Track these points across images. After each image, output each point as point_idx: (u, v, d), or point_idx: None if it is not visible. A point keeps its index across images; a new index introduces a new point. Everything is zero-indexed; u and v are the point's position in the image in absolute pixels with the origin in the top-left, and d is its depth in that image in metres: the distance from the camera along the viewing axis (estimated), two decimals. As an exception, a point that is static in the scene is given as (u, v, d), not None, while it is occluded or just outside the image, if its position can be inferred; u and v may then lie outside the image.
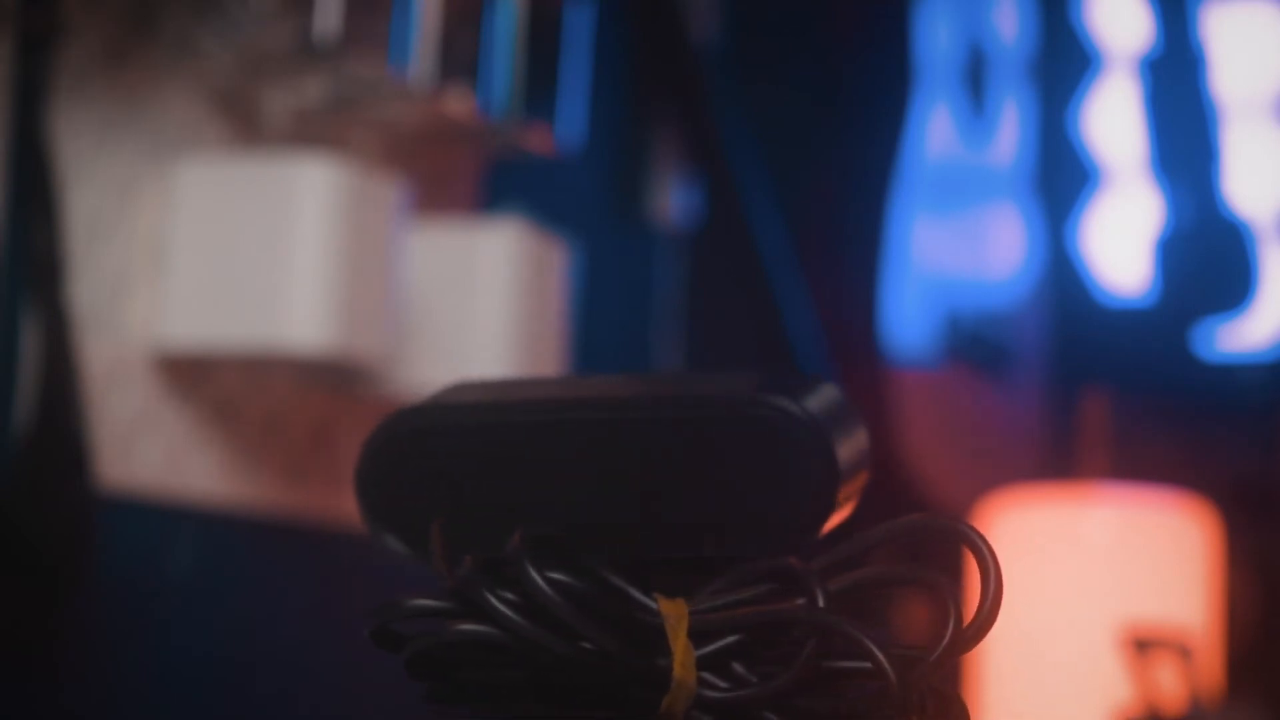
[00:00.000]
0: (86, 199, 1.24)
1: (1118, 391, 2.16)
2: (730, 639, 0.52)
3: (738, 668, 0.52)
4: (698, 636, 0.52)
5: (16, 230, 1.18)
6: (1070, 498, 1.92)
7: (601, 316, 1.80)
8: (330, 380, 1.43)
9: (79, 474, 1.18)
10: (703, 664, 0.52)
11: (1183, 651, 1.67)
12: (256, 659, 1.39)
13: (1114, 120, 2.58)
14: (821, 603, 0.52)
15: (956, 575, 2.12)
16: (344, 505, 1.48)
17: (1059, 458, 2.26)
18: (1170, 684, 1.67)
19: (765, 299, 1.89)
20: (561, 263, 1.50)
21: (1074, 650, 1.83)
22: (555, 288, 1.50)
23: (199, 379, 1.33)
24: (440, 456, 0.59)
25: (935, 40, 2.27)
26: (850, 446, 0.58)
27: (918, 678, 0.51)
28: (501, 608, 0.52)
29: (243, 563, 1.40)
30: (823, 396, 0.59)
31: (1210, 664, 1.84)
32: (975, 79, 2.36)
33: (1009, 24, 2.46)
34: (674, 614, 0.52)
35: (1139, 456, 2.19)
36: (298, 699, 1.41)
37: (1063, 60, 2.60)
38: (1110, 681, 1.75)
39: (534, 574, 0.53)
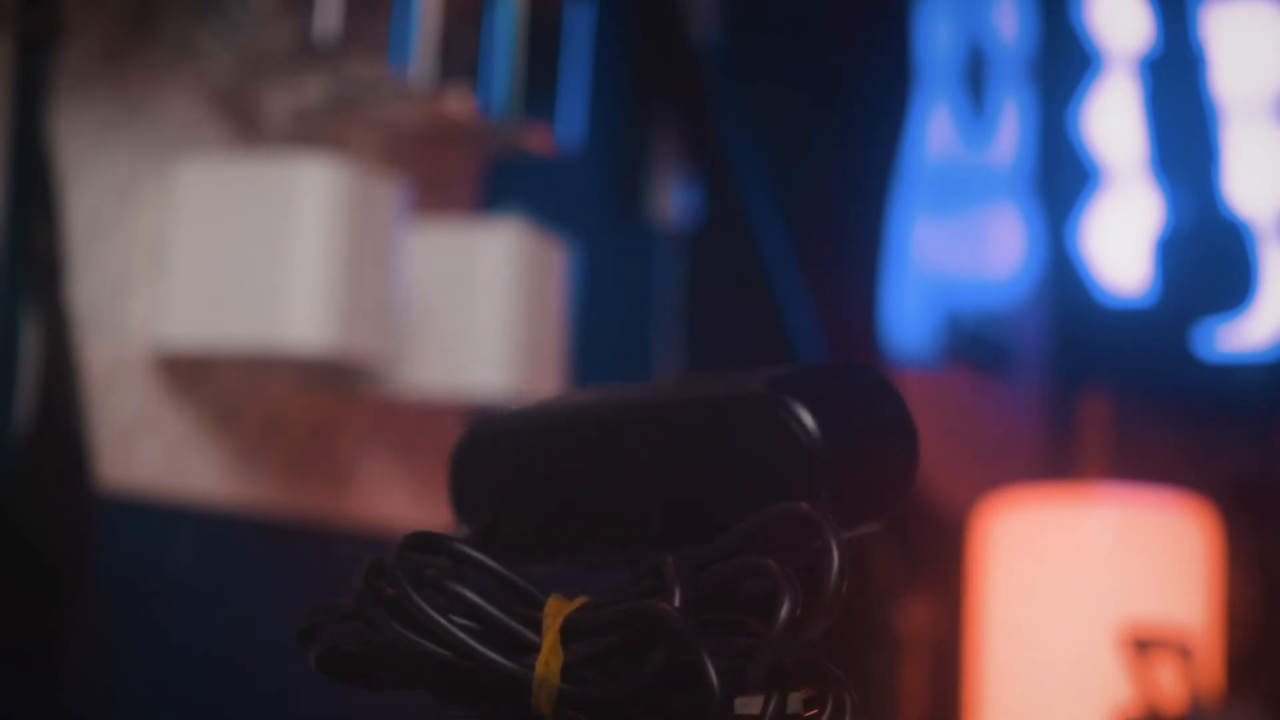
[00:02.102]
0: (86, 199, 1.24)
1: (1118, 391, 2.16)
2: (599, 638, 0.53)
3: (618, 665, 0.53)
4: (576, 634, 0.53)
5: (16, 230, 1.18)
6: (1070, 498, 1.92)
7: (601, 316, 1.80)
8: (330, 380, 1.44)
9: (79, 474, 1.18)
10: (585, 661, 0.53)
11: (1183, 651, 1.67)
12: (256, 659, 1.39)
13: (1114, 120, 2.58)
14: (678, 601, 0.52)
15: (955, 569, 2.09)
16: (344, 505, 1.48)
17: (1059, 458, 2.26)
18: (1170, 684, 1.67)
19: (765, 299, 1.89)
20: (561, 263, 1.50)
21: (1074, 650, 1.83)
22: (555, 288, 1.50)
23: (199, 379, 1.33)
24: (505, 457, 0.62)
25: (935, 40, 2.27)
26: (862, 441, 0.57)
27: (744, 679, 0.50)
28: (383, 615, 0.55)
29: (243, 563, 1.40)
30: (839, 388, 0.58)
31: (1210, 664, 1.84)
32: (975, 79, 2.36)
33: (1009, 24, 2.46)
34: (551, 613, 0.53)
35: (1139, 456, 2.19)
36: (297, 699, 1.41)
37: (1063, 60, 2.60)
38: (1110, 681, 1.75)
39: (404, 582, 0.54)
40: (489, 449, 0.62)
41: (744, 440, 0.57)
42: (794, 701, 0.51)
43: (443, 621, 0.54)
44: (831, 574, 0.50)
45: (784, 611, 0.50)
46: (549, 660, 0.53)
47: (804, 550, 0.51)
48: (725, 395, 0.58)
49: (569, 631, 0.53)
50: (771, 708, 0.51)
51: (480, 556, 0.56)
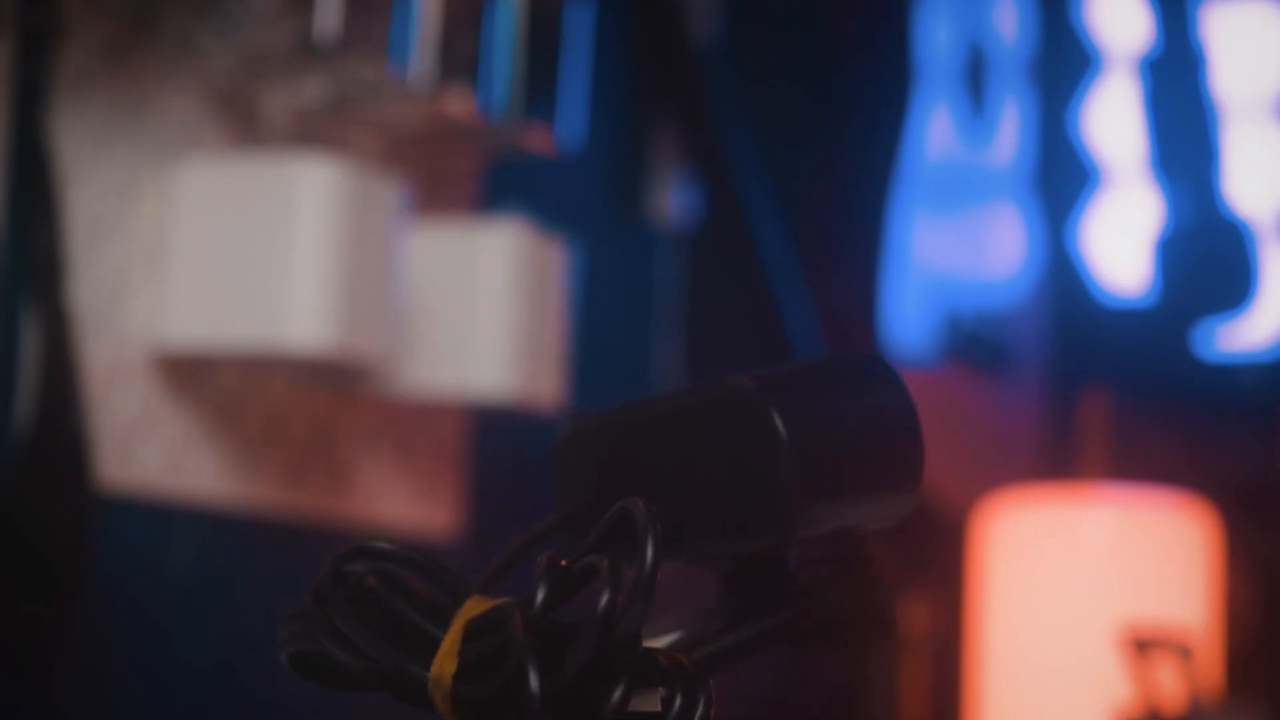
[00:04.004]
0: (86, 199, 1.24)
1: (1118, 391, 2.16)
2: (490, 638, 0.54)
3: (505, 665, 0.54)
4: (477, 635, 0.54)
5: (16, 230, 1.18)
6: (1070, 498, 1.92)
7: (601, 316, 1.80)
8: (330, 380, 1.44)
9: (79, 474, 1.18)
10: (479, 662, 0.54)
11: (1183, 651, 1.67)
12: (256, 659, 1.39)
13: (1114, 120, 2.59)
14: (540, 599, 0.53)
15: (955, 569, 2.09)
16: (344, 505, 1.48)
17: (1059, 458, 2.26)
18: (1170, 684, 1.67)
19: (765, 299, 1.89)
20: (561, 263, 1.51)
21: (1074, 650, 1.83)
22: (555, 288, 1.50)
23: (199, 379, 1.33)
24: (584, 457, 0.63)
25: (935, 40, 2.27)
26: (848, 440, 0.58)
27: (560, 675, 0.51)
28: (316, 624, 0.56)
29: (243, 563, 1.40)
30: (833, 385, 0.58)
31: (1210, 664, 1.84)
32: (975, 79, 2.36)
33: (1009, 24, 2.46)
34: (463, 614, 0.55)
35: (1139, 456, 2.19)
36: (297, 699, 1.41)
37: (1063, 60, 2.60)
38: (1110, 681, 1.75)
39: (328, 590, 0.56)
40: (575, 449, 0.63)
41: (732, 440, 0.58)
42: (650, 699, 0.52)
43: (359, 627, 0.55)
44: (645, 566, 0.51)
45: (601, 605, 0.50)
46: (443, 662, 0.53)
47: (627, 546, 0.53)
48: (713, 395, 0.59)
49: (473, 631, 0.54)
50: (616, 698, 0.51)
51: (414, 557, 0.57)
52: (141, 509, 1.30)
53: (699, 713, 0.51)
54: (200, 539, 1.35)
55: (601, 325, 1.80)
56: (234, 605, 1.39)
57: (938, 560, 2.15)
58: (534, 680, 0.50)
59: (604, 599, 0.50)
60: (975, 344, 2.33)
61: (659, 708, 0.52)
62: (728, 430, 0.57)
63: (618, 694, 0.51)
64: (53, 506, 1.18)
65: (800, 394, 0.57)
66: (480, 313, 1.44)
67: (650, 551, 0.51)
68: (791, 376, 0.58)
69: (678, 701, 0.51)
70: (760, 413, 0.56)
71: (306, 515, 1.44)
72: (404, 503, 1.55)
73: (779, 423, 0.56)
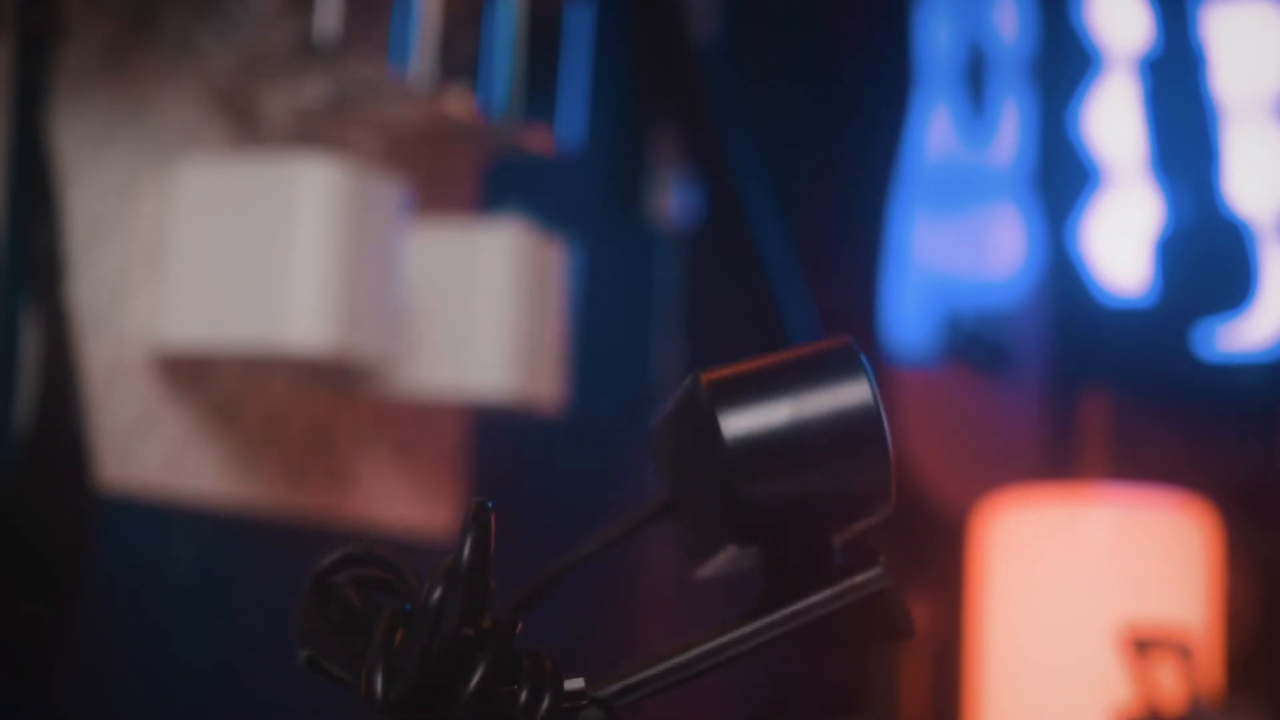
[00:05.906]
0: (86, 199, 1.24)
1: (1118, 391, 2.16)
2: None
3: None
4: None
5: (16, 230, 1.18)
6: (1070, 498, 1.92)
7: (601, 316, 1.80)
8: (330, 380, 1.44)
9: (79, 474, 1.18)
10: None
11: (1183, 651, 1.67)
12: (255, 659, 1.39)
13: (1114, 120, 2.58)
14: (435, 598, 0.54)
15: (955, 569, 2.09)
16: (344, 505, 1.48)
17: (1059, 458, 2.26)
18: (1170, 684, 1.67)
19: (765, 299, 1.89)
20: (561, 263, 1.51)
21: (1074, 650, 1.83)
22: (555, 288, 1.50)
23: (199, 379, 1.33)
24: (653, 445, 0.64)
25: (935, 40, 2.27)
26: (796, 430, 0.58)
27: (408, 682, 0.53)
28: (302, 630, 0.59)
29: (243, 563, 1.40)
30: (791, 379, 0.59)
31: (1210, 664, 1.84)
32: (975, 79, 2.36)
33: (1009, 24, 2.46)
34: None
35: (1139, 456, 2.19)
36: (297, 699, 1.41)
37: (1063, 60, 2.60)
38: (1110, 681, 1.75)
39: (311, 598, 0.58)
40: (652, 439, 0.64)
41: (695, 438, 0.59)
42: (511, 698, 0.55)
43: (327, 635, 0.57)
44: (460, 564, 0.53)
45: (432, 600, 0.53)
46: (373, 661, 0.55)
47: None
48: (679, 394, 0.60)
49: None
50: (469, 688, 0.53)
51: (378, 559, 0.58)
52: (141, 509, 1.30)
53: (542, 710, 0.54)
54: (200, 539, 1.35)
55: (601, 325, 1.80)
56: (234, 605, 1.39)
57: (938, 560, 2.15)
58: (378, 682, 0.53)
59: (432, 599, 0.53)
60: (975, 344, 2.33)
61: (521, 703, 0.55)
62: (690, 427, 0.59)
63: (472, 683, 0.54)
64: (53, 506, 1.18)
65: (752, 389, 0.58)
66: (480, 313, 1.44)
67: (466, 551, 0.54)
68: (751, 372, 0.59)
69: (523, 698, 0.54)
70: (706, 413, 0.58)
71: (306, 515, 1.44)
72: (404, 503, 1.55)
73: (720, 422, 0.58)
